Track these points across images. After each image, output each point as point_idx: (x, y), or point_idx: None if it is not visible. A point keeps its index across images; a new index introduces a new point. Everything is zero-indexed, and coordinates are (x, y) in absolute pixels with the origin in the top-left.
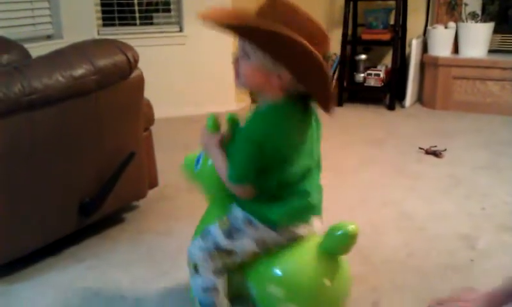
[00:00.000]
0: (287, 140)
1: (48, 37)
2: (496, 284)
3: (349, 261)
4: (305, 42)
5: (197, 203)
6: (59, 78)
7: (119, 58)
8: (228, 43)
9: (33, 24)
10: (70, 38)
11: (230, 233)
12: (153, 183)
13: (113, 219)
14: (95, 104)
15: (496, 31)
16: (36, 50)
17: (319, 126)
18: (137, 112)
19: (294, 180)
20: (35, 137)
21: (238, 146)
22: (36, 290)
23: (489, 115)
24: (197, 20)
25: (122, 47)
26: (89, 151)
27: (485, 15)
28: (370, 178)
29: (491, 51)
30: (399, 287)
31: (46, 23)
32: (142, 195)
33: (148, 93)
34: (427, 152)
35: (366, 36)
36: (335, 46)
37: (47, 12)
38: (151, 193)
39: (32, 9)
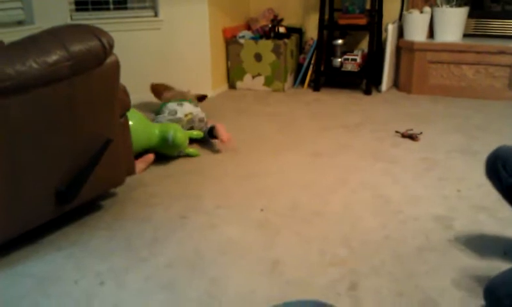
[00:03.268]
0: None
1: (20, 22)
2: (473, 263)
3: (330, 244)
4: None
5: (173, 190)
6: (32, 64)
7: (93, 44)
8: (203, 28)
9: (3, 9)
10: (41, 23)
11: None
12: (130, 170)
13: (91, 207)
14: (69, 91)
15: (471, 15)
16: (7, 35)
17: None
18: (113, 98)
19: None
20: (9, 124)
21: None
22: (13, 279)
23: (463, 99)
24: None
25: (97, 32)
26: (65, 138)
27: (460, 0)
28: (347, 161)
29: (465, 35)
30: (377, 269)
31: (17, 8)
32: (119, 182)
33: (124, 79)
34: (404, 136)
35: (343, 21)
36: (312, 31)
37: None
38: (128, 180)
39: None
